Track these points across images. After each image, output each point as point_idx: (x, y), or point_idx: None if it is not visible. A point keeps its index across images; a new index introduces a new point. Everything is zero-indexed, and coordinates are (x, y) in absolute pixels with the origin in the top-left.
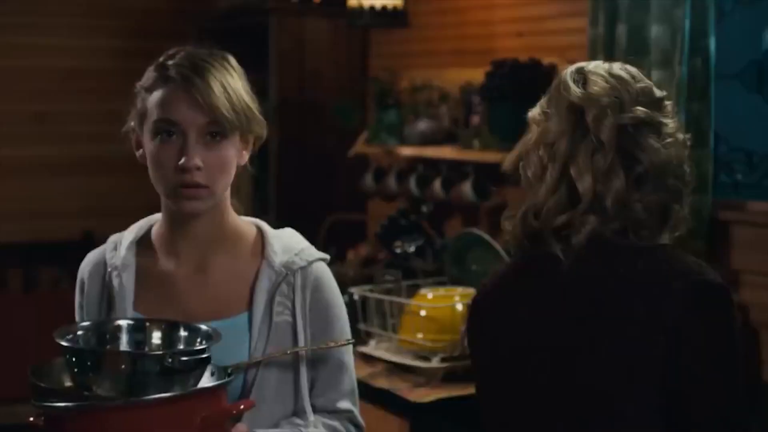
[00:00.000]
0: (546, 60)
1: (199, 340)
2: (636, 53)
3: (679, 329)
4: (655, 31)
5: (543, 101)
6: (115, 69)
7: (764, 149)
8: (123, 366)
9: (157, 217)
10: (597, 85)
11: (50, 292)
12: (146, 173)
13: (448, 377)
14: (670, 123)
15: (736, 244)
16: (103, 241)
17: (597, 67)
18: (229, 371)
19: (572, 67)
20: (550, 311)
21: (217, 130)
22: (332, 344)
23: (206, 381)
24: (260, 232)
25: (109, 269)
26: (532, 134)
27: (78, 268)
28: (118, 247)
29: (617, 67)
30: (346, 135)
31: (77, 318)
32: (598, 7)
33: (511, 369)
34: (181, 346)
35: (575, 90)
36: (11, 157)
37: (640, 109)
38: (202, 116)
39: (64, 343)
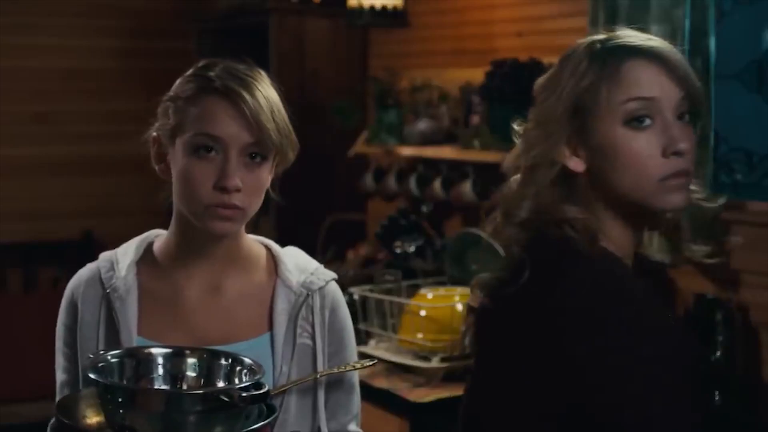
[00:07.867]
0: (546, 60)
1: (240, 371)
2: None
3: None
4: (655, 31)
5: None
6: (115, 69)
7: (764, 149)
8: (171, 405)
9: (156, 233)
10: None
11: (50, 292)
12: (146, 174)
13: (448, 377)
14: None
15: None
16: (103, 240)
17: None
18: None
19: None
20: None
21: (258, 150)
22: (358, 365)
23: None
24: (269, 250)
25: (107, 290)
26: None
27: (77, 267)
28: (116, 266)
29: None
30: (346, 135)
31: (60, 338)
32: (598, 6)
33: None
34: (221, 380)
35: None
36: (11, 157)
37: None
38: (248, 135)
39: (99, 380)
